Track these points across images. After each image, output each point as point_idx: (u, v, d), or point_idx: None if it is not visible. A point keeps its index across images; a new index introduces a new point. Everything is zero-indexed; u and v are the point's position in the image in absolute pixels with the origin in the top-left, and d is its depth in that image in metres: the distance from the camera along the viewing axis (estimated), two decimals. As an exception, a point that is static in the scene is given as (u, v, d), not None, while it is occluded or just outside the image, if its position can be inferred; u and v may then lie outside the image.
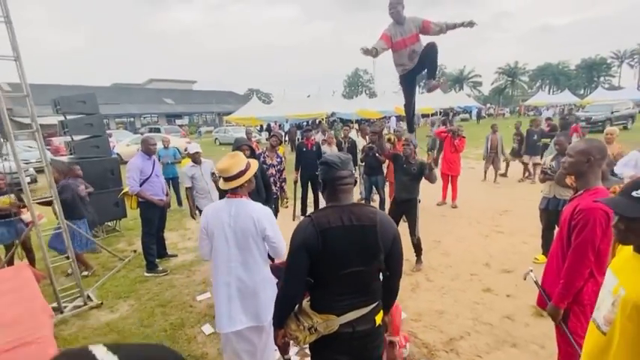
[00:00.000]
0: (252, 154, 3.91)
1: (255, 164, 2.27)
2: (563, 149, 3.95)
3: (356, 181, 1.63)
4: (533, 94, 48.68)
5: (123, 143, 15.67)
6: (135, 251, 5.27)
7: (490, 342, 2.92)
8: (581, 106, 26.38)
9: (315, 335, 1.50)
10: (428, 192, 7.53)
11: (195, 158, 4.64)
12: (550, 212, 4.10)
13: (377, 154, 5.69)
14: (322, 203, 5.94)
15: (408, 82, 4.14)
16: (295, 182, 6.22)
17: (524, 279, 2.27)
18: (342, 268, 1.49)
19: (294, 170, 6.07)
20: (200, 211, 4.78)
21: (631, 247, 1.24)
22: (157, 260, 4.62)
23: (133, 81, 45.49)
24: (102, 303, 3.85)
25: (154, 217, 4.50)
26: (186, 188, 4.73)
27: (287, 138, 18.16)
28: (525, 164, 8.66)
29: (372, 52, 3.63)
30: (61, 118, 5.77)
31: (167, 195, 4.75)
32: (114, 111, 32.80)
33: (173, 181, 7.44)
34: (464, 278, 4.05)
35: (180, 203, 7.54)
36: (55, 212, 3.81)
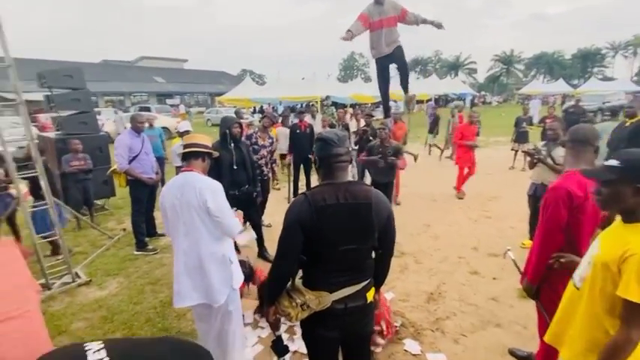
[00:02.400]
0: (241, 132, 3.88)
1: (215, 154, 2.36)
2: (556, 135, 3.97)
3: (351, 160, 1.61)
4: (528, 82, 48.70)
5: (112, 121, 15.34)
6: (124, 230, 5.23)
7: (475, 322, 3.00)
8: (573, 95, 26.56)
9: (308, 312, 1.51)
10: (418, 179, 7.58)
11: (186, 137, 4.56)
12: (537, 198, 4.14)
13: (370, 138, 5.67)
14: (314, 185, 5.88)
15: (383, 68, 4.19)
16: (288, 165, 6.18)
17: (504, 257, 2.33)
18: (337, 246, 1.49)
19: (287, 152, 6.02)
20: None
21: (620, 219, 1.34)
22: (146, 239, 4.59)
23: (123, 58, 44.10)
24: (90, 280, 3.83)
25: (142, 196, 4.45)
26: (176, 167, 4.67)
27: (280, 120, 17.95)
28: (515, 151, 8.76)
29: (348, 36, 3.74)
30: (47, 92, 5.59)
31: (157, 173, 4.68)
32: (103, 89, 31.91)
33: (158, 160, 7.27)
34: (452, 261, 4.12)
35: (163, 183, 7.40)
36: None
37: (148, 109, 21.16)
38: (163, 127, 10.03)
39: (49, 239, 3.94)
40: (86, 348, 1.15)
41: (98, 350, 1.14)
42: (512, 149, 8.86)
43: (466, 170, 6.57)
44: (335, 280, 1.54)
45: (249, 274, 2.34)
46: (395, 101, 18.99)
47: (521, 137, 8.58)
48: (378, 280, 1.72)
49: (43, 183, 3.52)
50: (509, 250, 2.33)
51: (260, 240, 4.21)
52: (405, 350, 2.67)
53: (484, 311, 3.14)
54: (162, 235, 4.99)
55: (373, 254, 1.64)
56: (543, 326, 2.06)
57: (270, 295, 1.63)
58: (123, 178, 4.40)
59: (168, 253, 4.46)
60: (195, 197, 2.03)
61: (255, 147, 4.62)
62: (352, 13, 4.06)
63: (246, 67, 63.36)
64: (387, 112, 4.91)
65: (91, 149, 5.73)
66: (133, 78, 37.72)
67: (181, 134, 4.56)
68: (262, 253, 4.22)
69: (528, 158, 4.24)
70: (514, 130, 8.82)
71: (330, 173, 1.55)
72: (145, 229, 4.56)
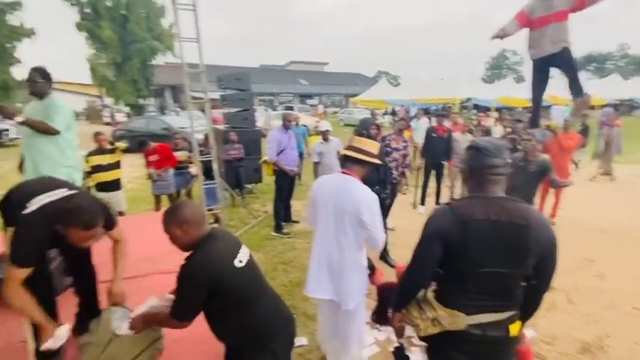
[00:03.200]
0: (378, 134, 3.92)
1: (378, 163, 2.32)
2: None
3: (507, 173, 1.43)
4: None
5: (263, 118, 17.80)
6: (266, 212, 6.00)
7: (655, 397, 2.30)
8: None
9: (438, 328, 1.43)
10: (582, 201, 6.26)
11: (325, 135, 4.90)
12: None
13: (518, 147, 4.95)
14: (444, 194, 5.60)
15: (541, 70, 3.71)
16: (418, 169, 5.97)
17: None
18: (480, 267, 1.36)
19: (420, 156, 5.82)
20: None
21: None
22: (283, 223, 5.17)
23: (276, 63, 50.23)
24: (238, 251, 4.55)
25: (284, 185, 5.02)
26: (314, 163, 5.08)
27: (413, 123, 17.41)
28: None
29: (500, 34, 3.45)
30: (221, 92, 6.86)
31: (297, 167, 5.20)
32: (259, 89, 37.08)
33: (299, 155, 7.99)
34: (622, 310, 3.25)
35: (299, 177, 8.11)
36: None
37: (291, 109, 23.65)
38: (303, 125, 11.11)
39: (213, 212, 4.85)
40: (242, 245, 1.68)
41: (245, 254, 1.64)
42: None
43: None
44: (473, 302, 1.40)
45: (371, 267, 2.41)
46: (560, 105, 16.04)
47: None
48: (525, 314, 1.50)
49: (215, 166, 4.35)
50: None
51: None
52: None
53: (672, 387, 2.38)
54: (297, 222, 5.53)
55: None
56: None
57: (398, 302, 1.61)
58: (270, 167, 5.06)
59: (299, 239, 4.92)
60: (350, 205, 2.05)
61: (388, 149, 4.62)
62: (503, 7, 3.71)
63: (383, 68, 63.73)
64: (535, 120, 4.26)
65: (247, 141, 6.78)
66: (283, 80, 42.67)
67: (322, 133, 4.94)
68: (384, 256, 4.21)
69: None
70: None
71: (482, 186, 1.42)
72: (283, 214, 5.14)
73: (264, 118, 17.79)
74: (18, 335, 2.09)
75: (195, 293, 1.51)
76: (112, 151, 4.66)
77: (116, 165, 4.69)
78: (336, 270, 2.18)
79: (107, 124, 20.64)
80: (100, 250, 2.17)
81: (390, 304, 2.10)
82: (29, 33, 19.44)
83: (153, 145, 5.23)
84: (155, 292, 2.07)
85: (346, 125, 22.80)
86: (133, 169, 9.51)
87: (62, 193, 1.84)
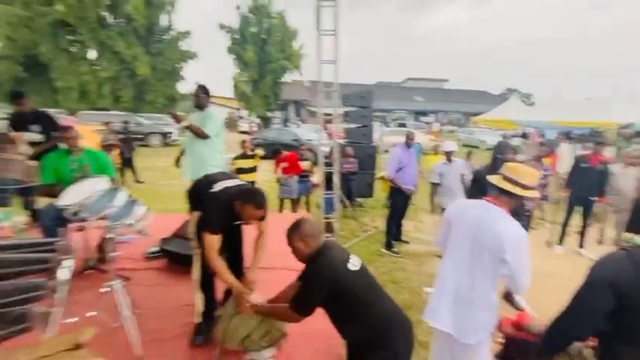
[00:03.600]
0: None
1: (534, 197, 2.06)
2: None
3: None
4: None
5: (378, 134, 18.04)
6: (375, 228, 6.04)
7: None
8: None
9: None
10: None
11: (449, 156, 4.71)
12: None
13: None
14: (591, 235, 4.71)
15: None
16: (558, 202, 5.18)
17: None
18: None
19: (562, 187, 5.04)
20: (442, 209, 4.86)
21: None
22: (393, 242, 5.12)
23: (393, 80, 50.34)
24: (349, 262, 4.70)
25: (400, 203, 4.98)
26: (432, 184, 4.92)
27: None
28: None
29: None
30: (344, 109, 7.24)
31: (414, 186, 5.11)
32: (375, 106, 37.63)
33: None
34: None
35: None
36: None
37: (404, 125, 23.33)
38: (417, 143, 10.82)
39: (329, 220, 5.13)
40: (351, 254, 1.85)
41: (356, 260, 1.82)
42: None
43: None
44: None
45: None
46: None
47: None
48: None
49: (336, 178, 4.62)
50: None
51: (509, 280, 3.78)
52: None
53: None
54: (407, 242, 5.41)
55: None
56: None
57: (544, 351, 1.45)
58: (387, 184, 5.10)
59: (409, 260, 4.79)
60: (492, 241, 1.84)
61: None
62: None
63: (512, 86, 57.42)
64: None
65: (364, 156, 6.97)
66: (397, 97, 42.45)
67: (446, 153, 4.76)
68: (509, 296, 3.77)
69: None
70: None
71: None
72: (394, 232, 5.09)
73: (378, 134, 18.01)
74: (184, 299, 2.61)
75: (317, 291, 1.72)
76: (252, 157, 5.42)
77: (254, 169, 5.43)
78: (463, 303, 2.00)
79: (243, 132, 23.88)
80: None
81: (518, 353, 1.89)
82: (193, 55, 24.20)
83: (284, 153, 5.86)
84: (279, 284, 2.31)
85: (465, 145, 21.24)
86: (263, 173, 10.72)
87: (237, 182, 2.46)
